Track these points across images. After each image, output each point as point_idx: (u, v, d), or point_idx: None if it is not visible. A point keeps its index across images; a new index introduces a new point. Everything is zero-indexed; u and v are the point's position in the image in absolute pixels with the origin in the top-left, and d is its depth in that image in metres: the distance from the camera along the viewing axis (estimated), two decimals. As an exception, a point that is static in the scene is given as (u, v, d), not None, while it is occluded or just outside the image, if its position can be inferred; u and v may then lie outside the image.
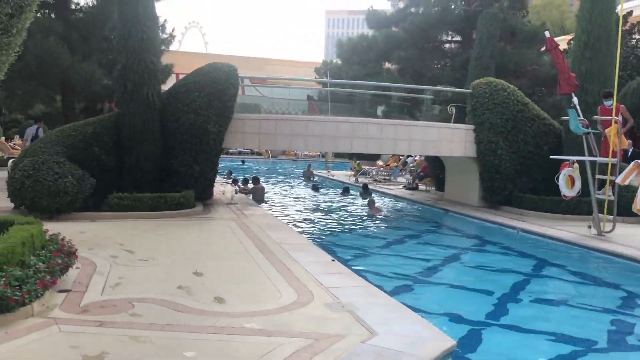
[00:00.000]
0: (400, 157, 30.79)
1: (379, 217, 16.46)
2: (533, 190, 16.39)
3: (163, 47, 21.84)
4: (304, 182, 27.97)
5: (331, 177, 29.07)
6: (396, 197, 20.71)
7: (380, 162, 31.04)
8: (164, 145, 13.94)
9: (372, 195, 20.63)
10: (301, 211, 17.33)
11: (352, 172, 25.69)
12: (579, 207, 14.86)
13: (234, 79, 14.55)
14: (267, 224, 12.03)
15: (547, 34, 13.29)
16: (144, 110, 13.43)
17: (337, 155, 37.01)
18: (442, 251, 11.65)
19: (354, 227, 14.62)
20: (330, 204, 19.09)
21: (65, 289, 6.55)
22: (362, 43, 27.30)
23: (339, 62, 52.26)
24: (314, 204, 18.99)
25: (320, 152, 41.86)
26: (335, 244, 11.60)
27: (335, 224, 14.89)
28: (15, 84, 20.51)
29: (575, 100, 12.83)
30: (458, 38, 25.92)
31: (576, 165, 12.51)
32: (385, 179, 27.19)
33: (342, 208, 17.87)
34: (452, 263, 10.60)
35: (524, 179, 16.42)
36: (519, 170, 16.38)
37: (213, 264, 8.14)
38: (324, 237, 12.84)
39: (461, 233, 14.11)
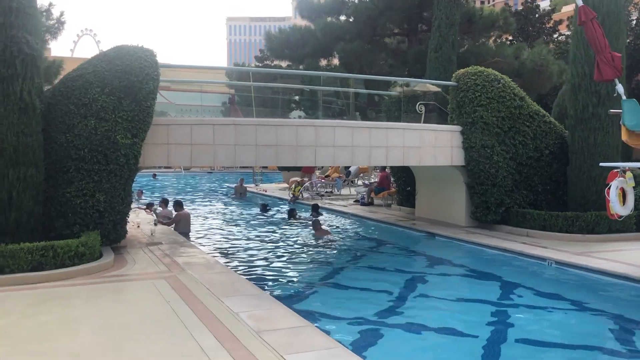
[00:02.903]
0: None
1: (326, 241, 13.34)
2: (534, 204, 13.37)
3: (48, 37, 17.04)
4: (236, 200, 23.70)
5: (263, 193, 25.03)
6: (353, 217, 17.05)
7: (317, 173, 27.36)
8: (50, 168, 9.46)
9: (320, 214, 16.99)
10: (245, 245, 13.23)
11: (291, 197, 21.73)
12: (599, 224, 11.96)
13: (152, 69, 10.28)
14: (219, 282, 7.92)
15: (579, 2, 10.14)
16: (18, 117, 8.89)
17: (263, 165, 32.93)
18: (480, 311, 7.91)
19: (327, 269, 10.76)
20: (279, 231, 15.10)
21: None
22: (295, 35, 23.43)
23: (253, 64, 48.15)
24: (259, 232, 14.90)
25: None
26: (322, 312, 7.57)
27: (302, 268, 10.93)
28: None
29: (619, 88, 9.76)
30: (407, 28, 22.75)
31: (629, 174, 9.41)
32: (327, 193, 23.54)
33: (297, 238, 13.89)
34: (513, 334, 6.96)
35: (523, 192, 13.34)
36: (517, 180, 13.28)
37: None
38: (292, 291, 8.88)
39: (472, 271, 10.42)
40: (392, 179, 18.91)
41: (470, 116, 13.14)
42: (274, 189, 26.32)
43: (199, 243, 12.90)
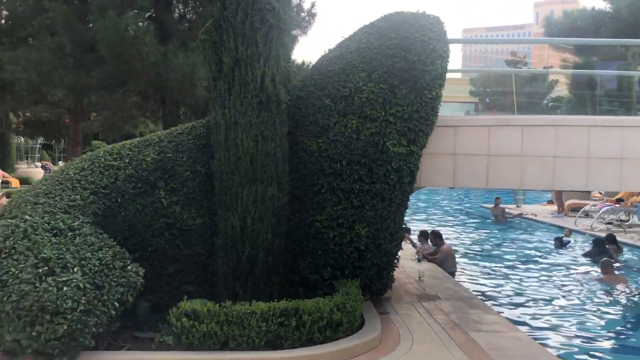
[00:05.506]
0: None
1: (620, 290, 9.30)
2: None
3: (298, 32, 15.17)
4: (495, 225, 19.48)
5: (532, 217, 20.22)
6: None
7: (597, 194, 21.57)
8: (296, 186, 6.71)
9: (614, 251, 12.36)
10: (542, 298, 9.19)
11: (566, 232, 16.60)
12: None
13: (439, 42, 6.89)
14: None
15: None
16: (257, 114, 6.29)
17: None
18: None
19: None
20: (582, 279, 10.65)
21: None
22: (585, 19, 18.56)
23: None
24: (558, 279, 10.67)
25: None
26: None
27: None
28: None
29: None
30: None
31: None
32: (620, 222, 17.87)
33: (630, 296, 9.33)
34: None
35: None
36: None
37: None
38: None
39: None
40: None
41: None
42: (545, 212, 21.22)
43: (480, 294, 9.21)
